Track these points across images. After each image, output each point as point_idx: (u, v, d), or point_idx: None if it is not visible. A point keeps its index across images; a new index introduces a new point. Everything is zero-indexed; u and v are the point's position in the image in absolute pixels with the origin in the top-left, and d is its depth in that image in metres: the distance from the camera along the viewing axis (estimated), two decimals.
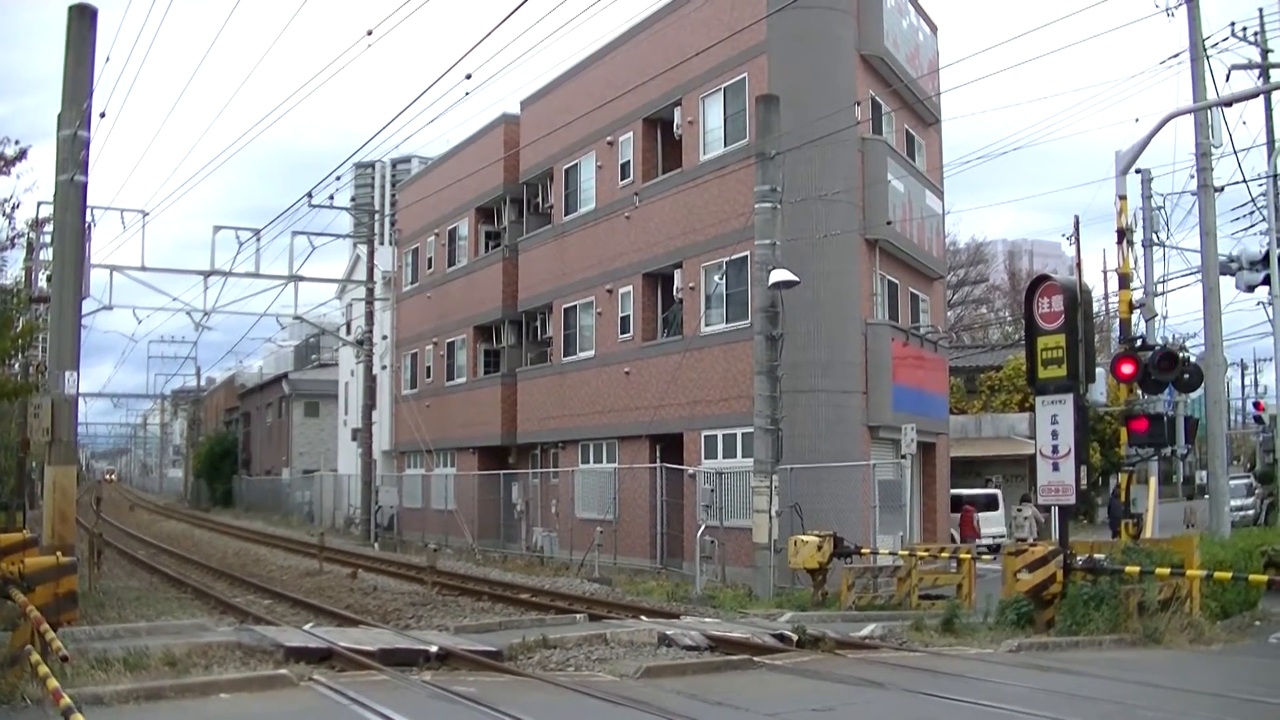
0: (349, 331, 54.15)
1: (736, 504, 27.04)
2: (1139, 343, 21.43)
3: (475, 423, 42.83)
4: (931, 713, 11.48)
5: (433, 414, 45.63)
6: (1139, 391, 21.10)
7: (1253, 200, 31.46)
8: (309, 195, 36.86)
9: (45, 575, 13.06)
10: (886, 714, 11.67)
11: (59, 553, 14.45)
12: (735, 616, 19.78)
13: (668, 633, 16.12)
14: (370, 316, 45.79)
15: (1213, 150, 25.29)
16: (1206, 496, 29.51)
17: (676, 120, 32.03)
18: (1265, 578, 17.98)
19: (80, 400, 19.05)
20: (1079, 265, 41.65)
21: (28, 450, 35.08)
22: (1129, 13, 25.23)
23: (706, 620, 18.74)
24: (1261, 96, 28.25)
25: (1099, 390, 26.61)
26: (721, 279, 29.87)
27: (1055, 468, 17.27)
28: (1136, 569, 16.51)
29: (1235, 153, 29.02)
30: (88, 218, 21.48)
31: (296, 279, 40.22)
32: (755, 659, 14.48)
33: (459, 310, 44.76)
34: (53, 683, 8.81)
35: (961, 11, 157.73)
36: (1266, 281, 26.32)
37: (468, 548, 37.02)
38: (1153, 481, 24.79)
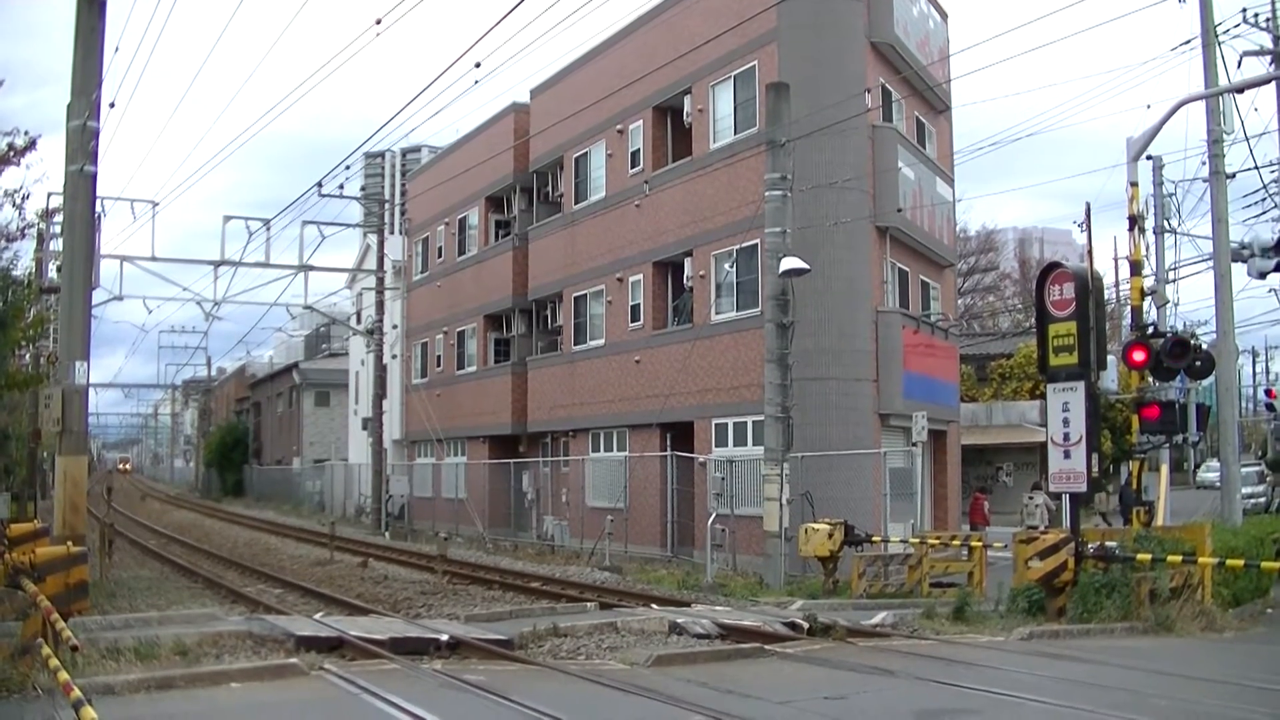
0: (359, 321, 54.17)
1: (747, 492, 27.01)
2: (1150, 330, 21.40)
3: (486, 411, 42.86)
4: (943, 701, 11.46)
5: (443, 403, 45.68)
6: (1150, 379, 21.05)
7: (1264, 187, 31.31)
8: (319, 185, 36.90)
9: (56, 565, 13.09)
10: (898, 702, 11.65)
11: (70, 543, 14.49)
12: (746, 605, 19.77)
13: (678, 621, 16.12)
14: (380, 306, 45.83)
15: (1225, 137, 25.14)
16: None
17: (686, 108, 31.97)
18: (1277, 565, 17.95)
19: (91, 390, 19.08)
20: (1090, 252, 41.53)
21: (39, 440, 35.16)
22: None
23: (717, 608, 18.74)
24: (1273, 83, 28.07)
25: (1110, 378, 26.53)
26: (732, 267, 29.83)
27: (1066, 455, 17.21)
28: (1148, 557, 16.48)
29: (1247, 139, 28.81)
30: (97, 208, 21.53)
31: (307, 269, 40.27)
32: (766, 647, 14.46)
33: (469, 299, 44.77)
34: (64, 674, 8.83)
35: None
36: (1278, 269, 26.20)
37: (478, 536, 37.07)
38: (1164, 469, 24.69)
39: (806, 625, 15.84)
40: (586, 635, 15.37)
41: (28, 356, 35.67)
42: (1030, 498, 34.93)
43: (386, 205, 52.11)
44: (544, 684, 11.98)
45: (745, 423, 28.67)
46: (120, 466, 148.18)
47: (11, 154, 26.29)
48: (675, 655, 13.72)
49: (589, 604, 19.96)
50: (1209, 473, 57.84)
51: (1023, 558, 17.17)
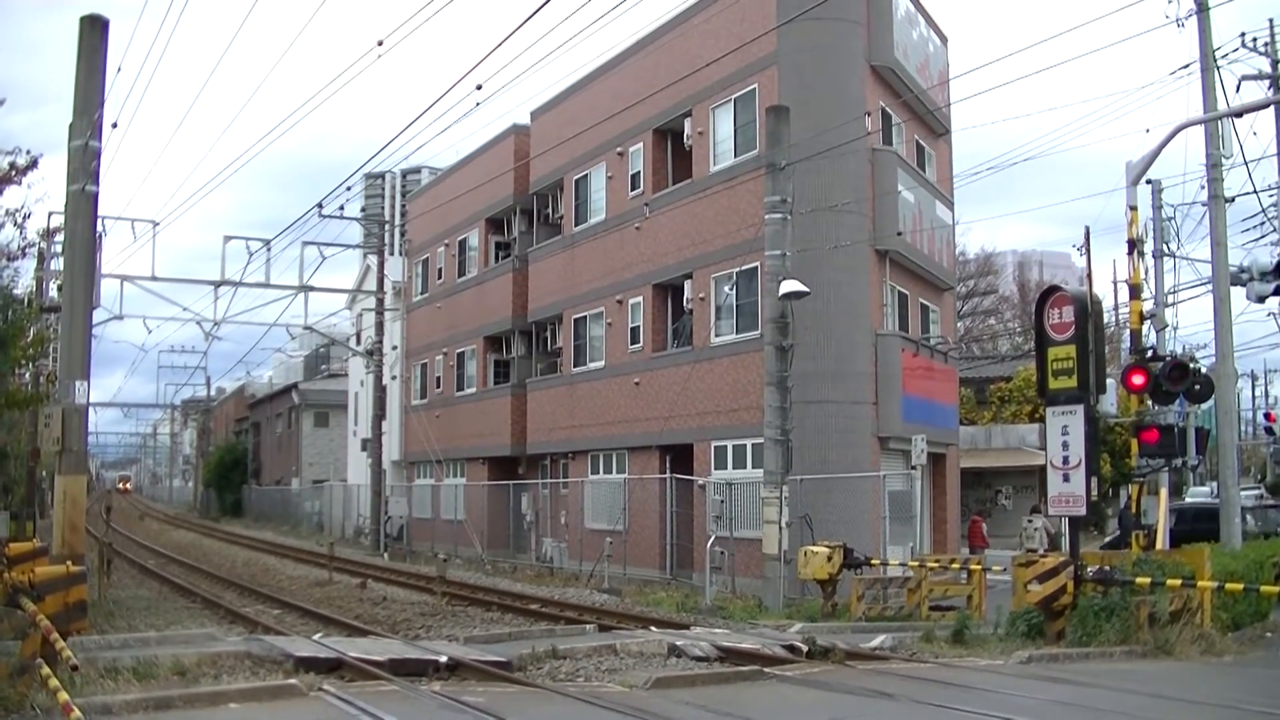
0: (359, 342, 54.18)
1: (746, 515, 27.00)
2: (1150, 353, 21.42)
3: (485, 433, 42.84)
4: None
5: (442, 424, 45.67)
6: (1150, 402, 21.06)
7: (1263, 211, 31.45)
8: (319, 206, 36.89)
9: (55, 584, 13.06)
10: None
11: (69, 562, 14.45)
12: (745, 627, 19.74)
13: (677, 643, 16.10)
14: (380, 327, 45.85)
15: (1223, 161, 25.21)
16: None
17: (686, 131, 32.05)
18: (1276, 589, 17.90)
19: (90, 410, 19.09)
20: (1089, 276, 41.57)
21: (38, 459, 35.19)
22: (1139, 23, 25.23)
23: (716, 631, 18.71)
24: (1272, 107, 28.18)
25: (1109, 401, 26.51)
26: (731, 290, 29.86)
27: (1066, 479, 17.21)
28: (1147, 580, 16.47)
29: (1246, 163, 28.94)
30: (98, 228, 21.54)
31: (307, 289, 40.29)
32: (765, 670, 14.45)
33: (469, 320, 44.80)
34: (63, 695, 8.82)
35: (972, 23, 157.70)
36: (1278, 292, 26.24)
37: (477, 558, 37.02)
38: (1163, 492, 24.68)
39: (805, 648, 15.82)
40: (585, 657, 15.35)
41: (28, 375, 35.68)
42: (1029, 521, 34.93)
43: (387, 226, 52.25)
44: (543, 706, 11.98)
45: (745, 445, 28.66)
46: (120, 486, 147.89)
47: (13, 173, 26.36)
48: (674, 678, 13.71)
49: (588, 626, 19.94)
50: (1196, 498, 57.30)
51: (1022, 581, 17.15)
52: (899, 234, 29.57)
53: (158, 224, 35.21)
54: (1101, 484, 36.91)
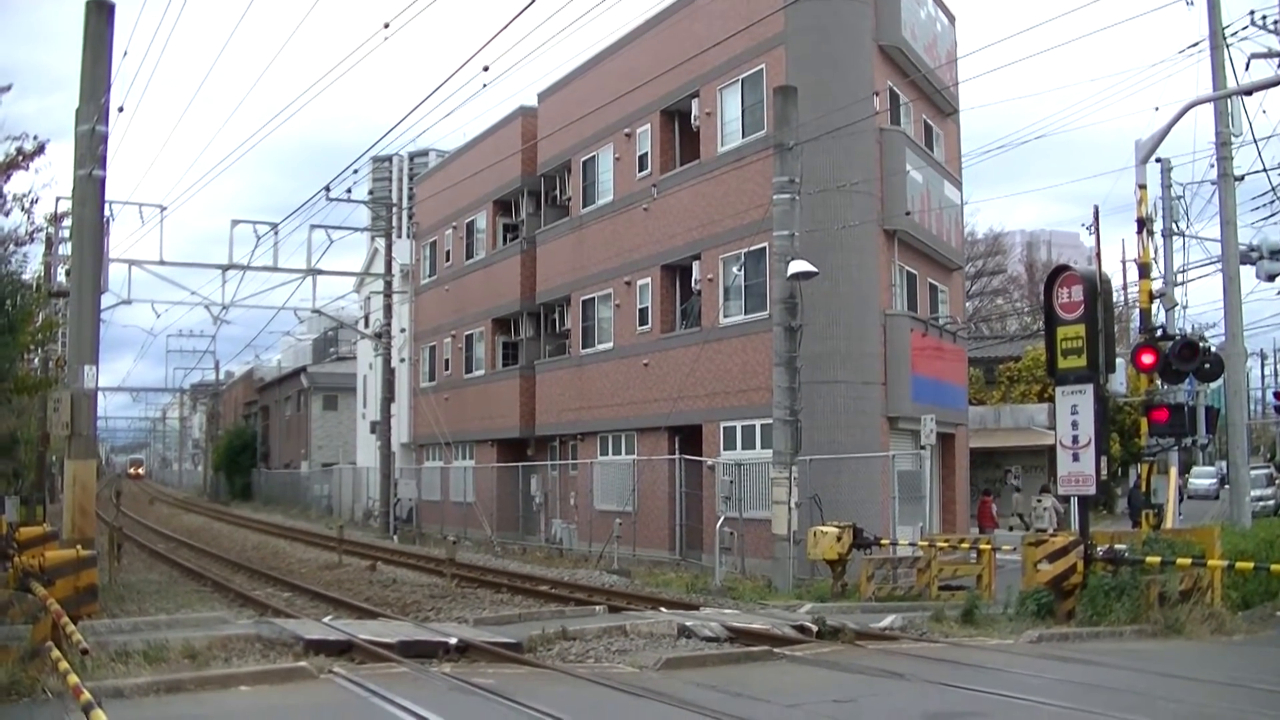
0: (367, 325, 54.24)
1: (755, 495, 27.00)
2: (1159, 332, 21.34)
3: (494, 415, 42.87)
4: (952, 703, 11.44)
5: (451, 406, 45.69)
6: (1159, 381, 21.00)
7: (1273, 189, 31.21)
8: (327, 189, 36.91)
9: (65, 569, 13.14)
10: (907, 705, 11.63)
11: (79, 546, 14.53)
12: (755, 608, 19.73)
13: (687, 624, 16.10)
14: (388, 309, 45.88)
15: (1233, 139, 25.08)
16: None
17: (694, 112, 31.97)
18: None
19: (99, 394, 19.12)
20: (1098, 255, 41.46)
21: (48, 444, 35.27)
22: (1149, 1, 25.10)
23: (726, 612, 18.71)
24: None
25: (1119, 380, 26.41)
26: (740, 270, 29.81)
27: (1075, 458, 17.18)
28: (1157, 559, 16.44)
29: (1255, 141, 28.76)
30: (106, 212, 21.58)
31: (315, 272, 40.31)
32: (775, 650, 14.44)
33: (477, 303, 44.79)
34: (73, 678, 8.84)
35: (980, 1, 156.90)
36: None
37: (486, 540, 37.07)
38: (1173, 472, 24.60)
39: (815, 628, 15.81)
40: (595, 638, 15.35)
41: (36, 361, 35.71)
42: (1039, 500, 34.90)
43: (394, 209, 52.16)
44: (553, 687, 11.98)
45: (754, 426, 28.66)
46: (132, 470, 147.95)
47: (20, 158, 26.31)
48: (684, 658, 13.72)
49: (597, 607, 19.95)
50: (1201, 479, 56.95)
51: (1032, 561, 17.13)
52: (907, 214, 29.52)
53: (165, 208, 35.32)
54: (1111, 463, 36.85)
